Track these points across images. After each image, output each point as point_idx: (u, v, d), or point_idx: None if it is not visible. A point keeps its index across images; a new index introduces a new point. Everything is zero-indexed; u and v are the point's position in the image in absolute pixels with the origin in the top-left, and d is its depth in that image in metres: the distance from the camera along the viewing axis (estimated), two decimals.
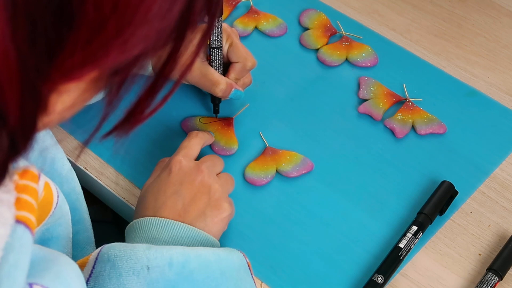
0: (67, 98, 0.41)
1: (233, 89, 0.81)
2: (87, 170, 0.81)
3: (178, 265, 0.62)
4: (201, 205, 0.70)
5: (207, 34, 0.44)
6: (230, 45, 0.82)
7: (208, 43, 0.81)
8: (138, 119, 0.45)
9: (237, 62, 0.82)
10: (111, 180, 0.80)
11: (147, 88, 0.44)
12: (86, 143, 0.81)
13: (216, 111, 0.84)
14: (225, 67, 0.84)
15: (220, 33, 0.81)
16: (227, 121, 0.85)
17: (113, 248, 0.63)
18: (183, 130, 0.85)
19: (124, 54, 0.38)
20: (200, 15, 0.41)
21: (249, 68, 0.83)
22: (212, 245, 0.69)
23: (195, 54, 0.45)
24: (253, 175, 0.80)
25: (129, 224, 0.70)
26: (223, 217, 0.71)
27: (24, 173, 0.48)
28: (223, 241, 0.75)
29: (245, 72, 0.84)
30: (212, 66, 0.82)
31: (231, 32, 0.83)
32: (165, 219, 0.68)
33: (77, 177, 0.82)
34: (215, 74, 0.80)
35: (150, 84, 0.44)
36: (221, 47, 0.81)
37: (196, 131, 0.79)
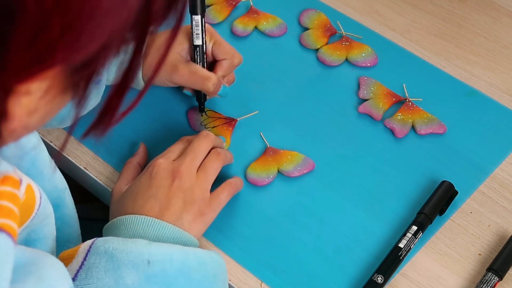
0: (28, 101, 0.38)
1: (221, 85, 0.81)
2: (87, 170, 0.80)
3: (178, 262, 0.63)
4: (177, 210, 0.70)
5: (175, 31, 0.42)
6: (215, 43, 0.82)
7: (192, 42, 0.81)
8: (110, 121, 0.43)
9: (223, 59, 0.82)
10: (111, 179, 0.80)
11: (114, 88, 0.42)
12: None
13: (202, 109, 0.84)
14: (210, 66, 0.83)
15: (204, 31, 0.80)
16: (231, 121, 0.85)
17: (111, 241, 0.62)
18: (188, 122, 0.84)
19: (76, 52, 0.36)
20: (162, 9, 0.39)
21: (237, 64, 0.83)
22: (194, 246, 0.69)
23: (165, 53, 0.42)
24: (255, 175, 0.80)
25: (109, 222, 0.70)
26: (201, 220, 0.71)
27: (5, 179, 0.47)
28: (224, 241, 0.75)
29: (232, 69, 0.83)
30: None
31: (212, 30, 0.83)
32: (152, 217, 0.68)
33: (77, 176, 0.82)
34: (205, 70, 0.80)
35: (117, 84, 0.42)
36: (205, 45, 0.81)
37: (206, 131, 0.78)
